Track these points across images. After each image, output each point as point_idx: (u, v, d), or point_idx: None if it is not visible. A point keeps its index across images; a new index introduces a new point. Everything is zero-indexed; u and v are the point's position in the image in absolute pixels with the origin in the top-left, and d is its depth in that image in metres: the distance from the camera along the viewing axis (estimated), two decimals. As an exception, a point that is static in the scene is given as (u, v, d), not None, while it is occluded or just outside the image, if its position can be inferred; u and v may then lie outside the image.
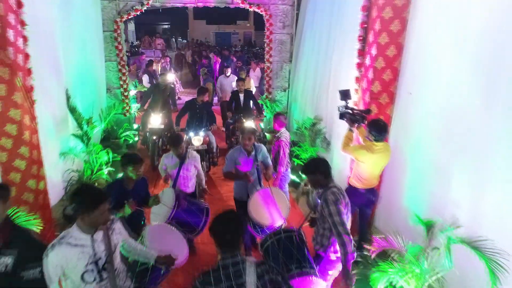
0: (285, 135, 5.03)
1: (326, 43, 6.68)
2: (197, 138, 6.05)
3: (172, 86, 11.31)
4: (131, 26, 34.94)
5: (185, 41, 34.09)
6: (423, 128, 4.05)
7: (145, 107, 7.71)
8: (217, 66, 12.74)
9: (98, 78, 8.00)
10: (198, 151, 6.00)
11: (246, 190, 4.13)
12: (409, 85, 4.27)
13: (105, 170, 6.33)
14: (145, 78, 10.66)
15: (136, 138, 8.19)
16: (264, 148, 4.35)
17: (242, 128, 4.28)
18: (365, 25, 4.54)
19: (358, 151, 4.08)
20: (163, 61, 13.63)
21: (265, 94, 9.06)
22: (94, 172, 6.16)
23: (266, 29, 8.67)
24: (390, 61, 4.31)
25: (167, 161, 4.38)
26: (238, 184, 4.30)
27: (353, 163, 4.79)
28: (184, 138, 6.31)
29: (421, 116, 4.10)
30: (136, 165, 3.52)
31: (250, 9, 8.74)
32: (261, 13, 8.62)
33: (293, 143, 6.85)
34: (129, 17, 8.30)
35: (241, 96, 7.37)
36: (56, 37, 5.78)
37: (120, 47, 8.33)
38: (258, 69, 10.97)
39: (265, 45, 8.81)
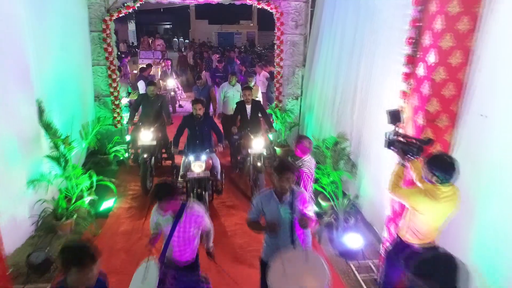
0: (308, 165, 3.90)
1: (351, 46, 5.55)
2: (197, 164, 4.91)
3: (171, 94, 10.23)
4: (132, 26, 33.90)
5: (187, 41, 33.02)
6: (499, 164, 2.93)
7: (135, 121, 6.60)
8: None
9: (83, 86, 6.88)
10: (199, 179, 4.90)
11: (279, 250, 2.88)
12: (478, 104, 3.14)
13: (87, 199, 5.22)
14: (141, 85, 9.52)
15: (127, 154, 7.07)
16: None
17: (277, 164, 2.97)
18: (418, 24, 3.40)
19: (415, 197, 2.94)
20: (163, 64, 12.45)
21: (275, 102, 7.92)
22: (73, 201, 5.06)
23: (276, 29, 7.53)
24: (453, 71, 3.18)
25: (157, 216, 2.98)
26: (269, 242, 3.13)
27: (396, 202, 3.67)
28: (181, 171, 5.27)
29: (497, 147, 2.97)
30: (81, 267, 2.04)
31: (257, 7, 7.63)
32: (270, 10, 7.49)
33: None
34: (120, 15, 7.17)
35: (248, 107, 6.25)
36: (24, 38, 4.68)
37: (110, 49, 7.21)
38: (263, 73, 9.84)
39: (275, 47, 7.67)
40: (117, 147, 7.13)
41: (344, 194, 5.30)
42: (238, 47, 27.84)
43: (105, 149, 7.16)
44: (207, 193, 4.94)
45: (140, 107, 6.47)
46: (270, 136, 7.91)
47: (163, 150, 6.84)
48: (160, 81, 10.95)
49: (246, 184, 6.28)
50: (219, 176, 5.47)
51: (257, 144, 5.64)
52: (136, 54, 15.71)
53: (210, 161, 5.24)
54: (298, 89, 7.88)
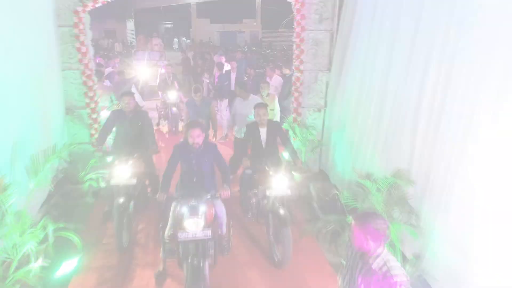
0: (399, 265, 2.19)
1: (410, 44, 3.90)
2: (193, 221, 3.21)
3: (172, 110, 8.18)
4: (131, 25, 32.24)
5: (189, 41, 31.31)
6: None
7: (109, 148, 4.95)
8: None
9: (48, 96, 5.24)
10: (196, 241, 3.26)
11: None
12: None
13: (34, 264, 3.59)
14: (134, 90, 7.97)
15: (104, 184, 5.42)
16: None
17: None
18: None
19: None
20: (162, 70, 9.68)
21: (292, 115, 6.27)
22: (11, 270, 3.43)
23: (295, 24, 5.88)
24: None
25: None
26: None
27: None
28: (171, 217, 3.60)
29: None
30: None
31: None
32: (289, 0, 5.86)
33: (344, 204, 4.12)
34: (96, 5, 5.53)
35: (263, 131, 4.59)
36: None
37: (83, 49, 5.58)
38: (276, 78, 8.19)
39: (294, 46, 6.01)
40: (94, 174, 5.51)
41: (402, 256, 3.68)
42: (241, 47, 26.21)
43: (78, 176, 5.53)
44: (206, 262, 3.28)
45: (114, 128, 4.79)
46: (284, 154, 6.20)
47: (148, 190, 4.98)
48: (159, 92, 8.99)
49: (261, 233, 4.56)
50: (224, 229, 3.83)
51: (279, 183, 4.00)
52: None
53: (212, 210, 3.59)
54: (322, 99, 6.22)
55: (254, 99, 5.88)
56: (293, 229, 3.99)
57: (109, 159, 4.70)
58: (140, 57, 12.76)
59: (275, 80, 8.05)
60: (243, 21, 32.98)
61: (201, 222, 3.22)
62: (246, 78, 9.63)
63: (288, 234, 3.84)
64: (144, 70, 11.52)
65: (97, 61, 9.50)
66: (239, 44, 28.67)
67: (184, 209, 3.34)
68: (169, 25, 41.20)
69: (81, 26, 5.45)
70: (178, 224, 3.40)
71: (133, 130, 4.66)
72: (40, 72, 4.91)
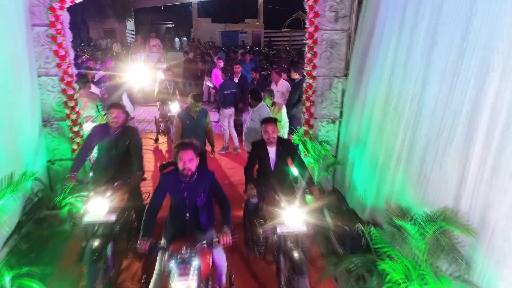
0: None
1: (457, 49, 3.09)
2: (182, 285, 2.39)
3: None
4: (130, 25, 31.44)
5: (188, 41, 30.45)
6: None
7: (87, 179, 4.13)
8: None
9: (17, 105, 4.45)
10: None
11: None
12: None
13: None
14: (125, 98, 7.17)
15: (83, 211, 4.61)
16: None
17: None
18: None
19: None
20: (163, 76, 7.99)
21: (303, 128, 5.46)
22: None
23: (308, 23, 5.07)
24: None
25: None
26: None
27: None
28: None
29: None
30: None
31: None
32: (300, -5, 5.05)
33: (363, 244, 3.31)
34: (76, 0, 4.73)
35: (271, 151, 3.79)
36: None
37: (62, 52, 4.78)
38: (282, 83, 7.35)
39: (306, 49, 5.19)
40: (73, 197, 4.72)
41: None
42: (244, 47, 25.38)
43: (54, 200, 4.74)
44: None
45: (96, 150, 3.97)
46: (293, 170, 5.34)
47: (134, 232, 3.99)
48: (159, 102, 7.74)
49: (270, 276, 3.69)
50: (223, 279, 3.03)
51: (292, 218, 3.19)
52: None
53: (209, 260, 2.79)
54: (337, 108, 5.41)
55: (264, 107, 5.14)
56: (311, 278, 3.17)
57: (87, 187, 3.89)
58: (137, 59, 11.80)
59: (282, 86, 7.22)
60: (246, 21, 32.17)
61: (193, 284, 2.41)
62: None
63: (305, 285, 3.04)
64: (140, 73, 10.67)
65: (87, 64, 8.73)
66: (240, 44, 27.86)
67: (172, 265, 2.53)
68: (170, 25, 40.41)
69: (58, 26, 4.65)
70: (165, 283, 2.59)
71: (118, 150, 3.85)
72: (15, 77, 4.12)
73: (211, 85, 9.12)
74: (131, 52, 12.51)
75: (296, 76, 6.72)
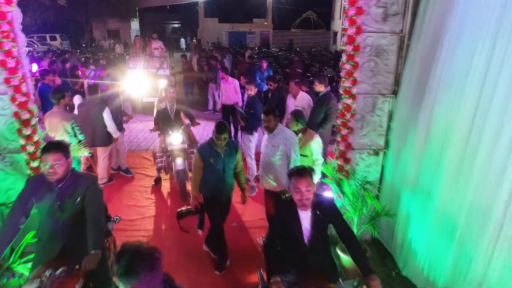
0: None
1: None
2: None
3: (177, 164, 5.20)
4: (135, 25, 30.17)
5: (187, 41, 29.07)
6: None
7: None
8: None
9: None
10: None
11: None
12: None
13: None
14: (77, 101, 6.01)
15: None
16: None
17: None
18: None
19: None
20: (165, 94, 5.79)
21: (335, 162, 4.08)
22: None
23: (347, 22, 3.69)
24: None
25: None
26: None
27: None
28: None
29: None
30: None
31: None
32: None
33: None
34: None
35: (305, 216, 2.38)
36: None
37: (12, 62, 3.45)
38: (302, 96, 5.92)
39: (344, 58, 3.81)
40: (30, 259, 3.41)
41: None
42: (251, 48, 24.02)
43: (7, 260, 3.43)
44: None
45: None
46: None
47: None
48: (156, 130, 5.72)
49: None
50: None
51: None
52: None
53: None
54: (380, 136, 4.02)
55: (284, 131, 3.76)
56: None
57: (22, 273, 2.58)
58: (135, 64, 10.21)
59: (302, 99, 5.83)
60: (253, 21, 30.80)
61: None
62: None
63: None
64: (138, 82, 9.33)
65: (76, 73, 7.43)
66: (249, 45, 26.49)
67: None
68: (176, 25, 39.16)
69: (5, 27, 3.34)
70: None
71: (64, 214, 2.55)
72: None
73: (239, 109, 6.76)
74: (128, 56, 11.02)
75: (321, 88, 5.34)
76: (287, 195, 3.64)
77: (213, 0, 28.67)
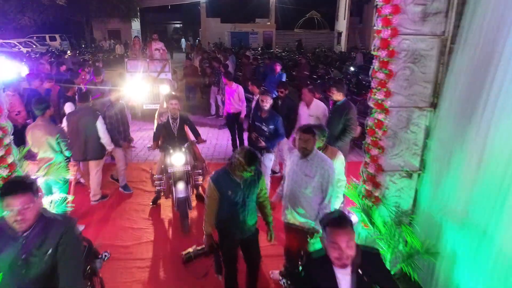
0: None
1: None
2: None
3: (179, 193, 4.35)
4: (136, 25, 29.57)
5: (190, 42, 28.42)
6: None
7: None
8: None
9: None
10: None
11: None
12: None
13: None
14: (69, 108, 5.53)
15: None
16: None
17: None
18: None
19: None
20: (166, 107, 4.97)
21: (366, 187, 3.46)
22: None
23: (380, 23, 3.08)
24: None
25: None
26: None
27: None
28: None
29: None
30: None
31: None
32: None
33: None
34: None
35: (344, 278, 1.80)
36: None
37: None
38: (316, 104, 5.31)
39: (375, 65, 3.21)
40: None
41: None
42: (254, 48, 23.43)
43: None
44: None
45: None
46: None
47: None
48: (155, 147, 4.81)
49: None
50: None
51: None
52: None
53: None
54: (415, 156, 3.41)
55: (321, 158, 3.10)
56: None
57: None
58: (134, 67, 9.41)
59: (316, 108, 5.23)
60: (256, 21, 30.17)
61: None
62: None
63: None
64: (138, 87, 8.66)
65: (80, 73, 6.78)
66: (251, 45, 25.87)
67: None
68: (177, 25, 38.53)
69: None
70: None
71: (31, 270, 1.97)
72: None
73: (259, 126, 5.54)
74: (127, 59, 10.16)
75: (339, 97, 4.73)
76: (316, 235, 3.05)
77: (215, -1, 28.10)
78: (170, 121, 4.68)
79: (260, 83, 6.39)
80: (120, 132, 5.27)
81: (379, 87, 3.13)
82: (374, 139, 3.27)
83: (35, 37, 23.85)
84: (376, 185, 3.36)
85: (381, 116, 3.19)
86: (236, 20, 29.25)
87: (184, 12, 34.63)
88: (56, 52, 18.95)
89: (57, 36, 24.92)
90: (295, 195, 3.16)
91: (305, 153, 3.06)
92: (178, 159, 4.43)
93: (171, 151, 4.47)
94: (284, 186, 3.31)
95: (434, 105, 3.27)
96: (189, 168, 4.45)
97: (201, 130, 8.76)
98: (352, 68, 14.12)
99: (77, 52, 18.15)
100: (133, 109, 8.52)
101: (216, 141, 7.99)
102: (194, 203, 5.03)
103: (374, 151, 3.28)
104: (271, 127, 4.71)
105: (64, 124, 4.81)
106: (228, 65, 9.55)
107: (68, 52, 18.67)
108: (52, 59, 15.49)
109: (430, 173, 3.34)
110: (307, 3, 28.18)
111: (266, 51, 21.83)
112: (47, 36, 24.79)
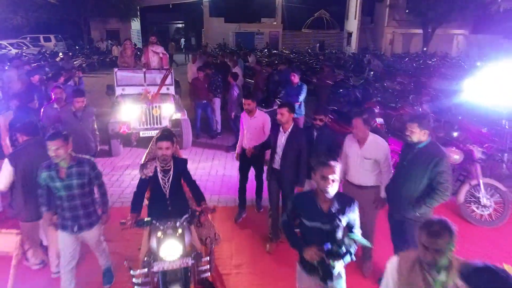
0: None
1: None
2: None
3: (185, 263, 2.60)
4: (136, 25, 27.79)
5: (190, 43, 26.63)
6: None
7: None
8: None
9: None
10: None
11: None
12: None
13: None
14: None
15: None
16: None
17: None
18: None
19: None
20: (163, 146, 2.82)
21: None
22: None
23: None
24: None
25: None
26: None
27: None
28: None
29: None
30: None
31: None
32: None
33: None
34: None
35: None
36: None
37: None
38: (375, 141, 3.51)
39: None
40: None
41: None
42: (260, 50, 21.69)
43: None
44: None
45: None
46: None
47: None
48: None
49: None
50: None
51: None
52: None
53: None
54: None
55: None
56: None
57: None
58: (126, 80, 7.14)
59: (375, 149, 3.43)
60: (262, 21, 28.40)
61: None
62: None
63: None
64: (130, 107, 6.57)
65: (53, 89, 5.07)
66: (257, 46, 24.13)
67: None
68: (179, 25, 36.78)
69: None
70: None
71: None
72: None
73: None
74: (117, 70, 7.30)
75: (423, 137, 3.00)
76: None
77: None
78: (159, 175, 2.88)
79: (276, 94, 4.62)
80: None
81: None
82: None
83: (28, 38, 22.15)
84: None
85: None
86: (241, 19, 27.51)
87: (186, 11, 32.88)
88: (47, 55, 17.29)
89: (52, 36, 23.17)
90: None
91: None
92: (170, 250, 2.55)
93: (159, 232, 2.57)
94: None
95: None
96: (189, 263, 2.59)
97: (205, 155, 6.94)
98: (372, 73, 12.44)
99: (71, 55, 16.35)
100: (123, 138, 6.77)
101: (223, 171, 6.24)
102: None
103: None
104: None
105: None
106: (238, 74, 7.72)
107: (60, 54, 16.96)
108: (42, 62, 13.81)
109: None
110: (315, 2, 26.42)
111: (274, 52, 20.05)
112: (41, 37, 23.07)
